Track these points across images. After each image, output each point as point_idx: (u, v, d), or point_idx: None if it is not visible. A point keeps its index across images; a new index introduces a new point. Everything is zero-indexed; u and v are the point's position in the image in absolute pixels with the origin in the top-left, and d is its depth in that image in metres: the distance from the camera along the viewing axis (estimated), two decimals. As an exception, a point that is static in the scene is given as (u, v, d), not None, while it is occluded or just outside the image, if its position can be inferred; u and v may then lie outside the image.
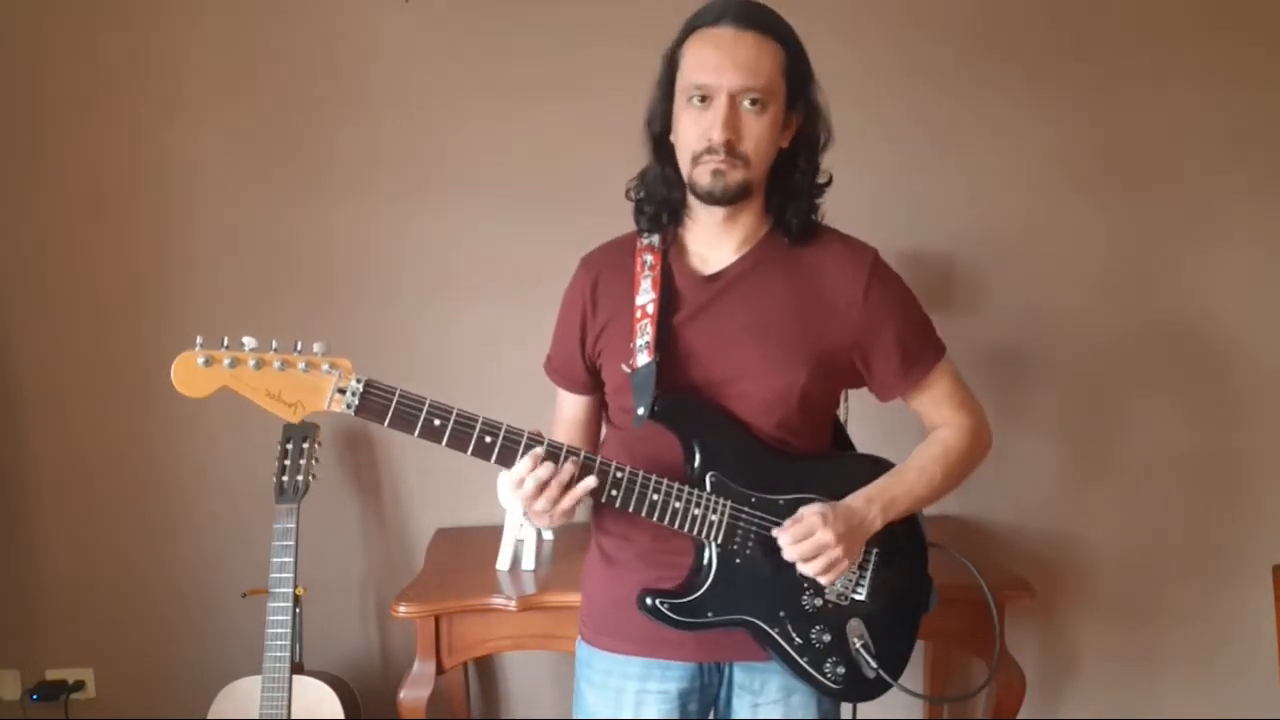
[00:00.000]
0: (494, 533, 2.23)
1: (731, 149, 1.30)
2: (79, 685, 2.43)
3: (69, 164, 2.32)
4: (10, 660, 2.44)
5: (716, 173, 1.31)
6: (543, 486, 1.27)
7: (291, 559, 2.12)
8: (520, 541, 2.18)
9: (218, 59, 2.31)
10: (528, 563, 2.18)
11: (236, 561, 2.38)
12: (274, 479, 2.18)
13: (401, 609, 2.02)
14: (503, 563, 2.18)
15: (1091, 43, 2.39)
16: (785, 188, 1.39)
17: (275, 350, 1.25)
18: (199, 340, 1.24)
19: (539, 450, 1.28)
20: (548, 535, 2.31)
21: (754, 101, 1.30)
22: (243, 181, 2.35)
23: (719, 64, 1.30)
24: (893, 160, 2.39)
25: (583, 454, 1.31)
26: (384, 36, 2.33)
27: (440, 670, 2.09)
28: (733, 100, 1.29)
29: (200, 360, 1.23)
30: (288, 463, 2.18)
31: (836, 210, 1.47)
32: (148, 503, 2.41)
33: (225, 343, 1.24)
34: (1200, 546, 2.53)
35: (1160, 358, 2.48)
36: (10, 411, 2.38)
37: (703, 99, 1.31)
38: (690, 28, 1.35)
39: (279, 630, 2.10)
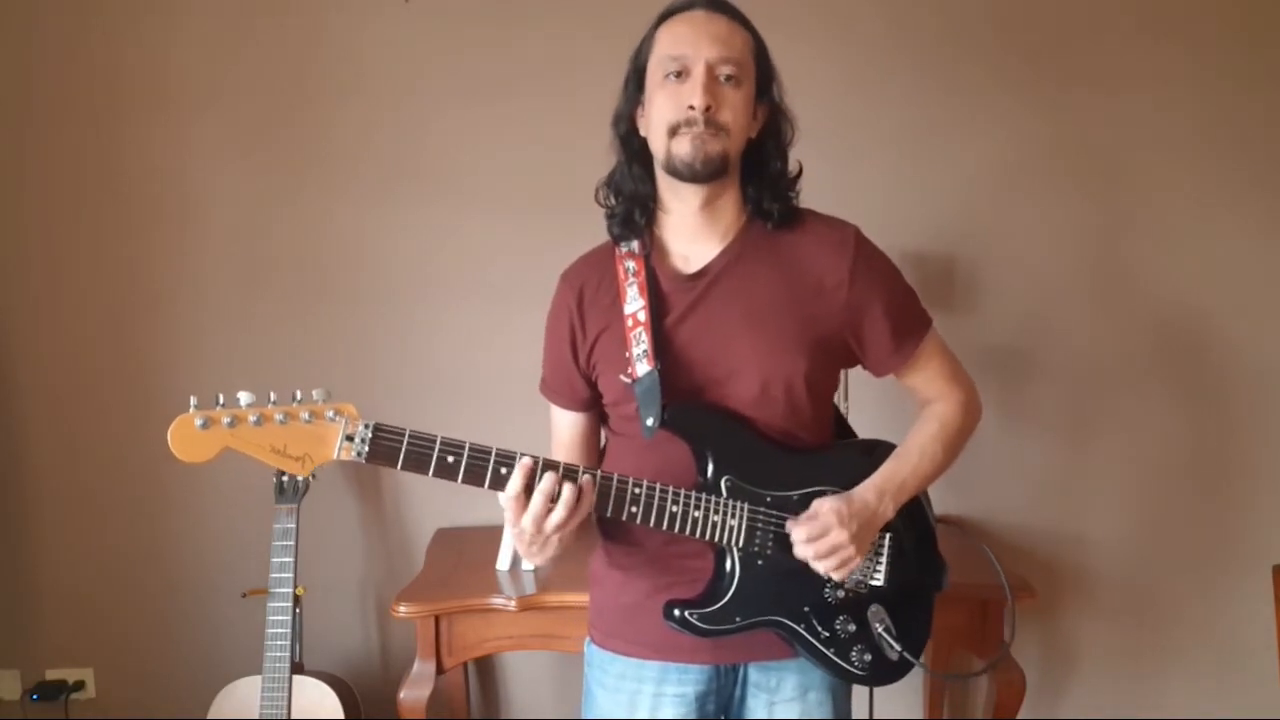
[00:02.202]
0: (494, 533, 2.23)
1: (711, 118, 1.30)
2: (79, 685, 2.43)
3: (61, 165, 2.32)
4: (10, 660, 2.44)
5: (697, 140, 1.30)
6: (549, 506, 1.24)
7: (291, 559, 2.12)
8: (520, 541, 2.18)
9: (209, 60, 2.31)
10: (528, 563, 2.18)
11: (236, 561, 2.38)
12: (274, 479, 2.18)
13: (401, 609, 2.03)
14: (503, 563, 2.18)
15: (1090, 41, 2.38)
16: (760, 177, 1.40)
17: (274, 402, 1.19)
18: (193, 401, 1.18)
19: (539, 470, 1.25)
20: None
21: (729, 77, 1.31)
22: (236, 181, 2.35)
23: (695, 38, 1.31)
24: (891, 160, 2.39)
25: (599, 474, 1.28)
26: (374, 40, 2.33)
27: (440, 670, 2.09)
28: (710, 70, 1.30)
29: (198, 422, 1.16)
30: (288, 463, 2.18)
31: (840, 213, 1.47)
32: (148, 503, 2.41)
33: (220, 400, 1.18)
34: (1200, 546, 2.53)
35: (1161, 357, 2.47)
36: (10, 413, 2.38)
37: (679, 74, 1.31)
38: (659, 20, 1.37)
39: (279, 630, 2.10)
